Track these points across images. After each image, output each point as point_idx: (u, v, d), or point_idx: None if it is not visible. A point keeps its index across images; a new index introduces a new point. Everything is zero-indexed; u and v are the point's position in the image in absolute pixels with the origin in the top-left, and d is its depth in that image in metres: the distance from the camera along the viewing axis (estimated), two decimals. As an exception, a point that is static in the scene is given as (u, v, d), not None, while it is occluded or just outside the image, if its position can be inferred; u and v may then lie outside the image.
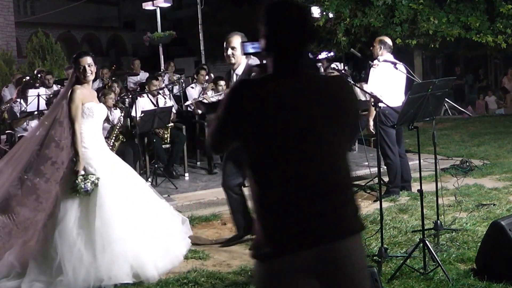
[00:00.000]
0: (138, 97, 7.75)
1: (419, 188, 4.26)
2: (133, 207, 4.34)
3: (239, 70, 4.68)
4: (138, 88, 9.89)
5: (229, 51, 4.63)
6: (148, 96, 7.84)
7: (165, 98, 8.05)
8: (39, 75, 9.97)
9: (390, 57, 6.02)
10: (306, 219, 1.89)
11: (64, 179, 4.24)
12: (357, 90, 8.91)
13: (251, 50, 2.15)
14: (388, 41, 6.23)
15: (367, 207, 5.97)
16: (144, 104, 7.73)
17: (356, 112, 2.09)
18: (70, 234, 4.04)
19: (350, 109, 2.02)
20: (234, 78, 4.68)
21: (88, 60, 4.27)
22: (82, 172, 4.16)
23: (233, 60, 4.64)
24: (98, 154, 4.30)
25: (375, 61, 5.95)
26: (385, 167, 6.30)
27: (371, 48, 6.29)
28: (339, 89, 2.02)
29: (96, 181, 4.14)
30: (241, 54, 4.57)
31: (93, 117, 4.34)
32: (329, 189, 1.93)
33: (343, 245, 1.93)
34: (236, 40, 4.60)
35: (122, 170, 4.51)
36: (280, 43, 1.97)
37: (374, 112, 5.62)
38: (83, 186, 4.08)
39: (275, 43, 1.97)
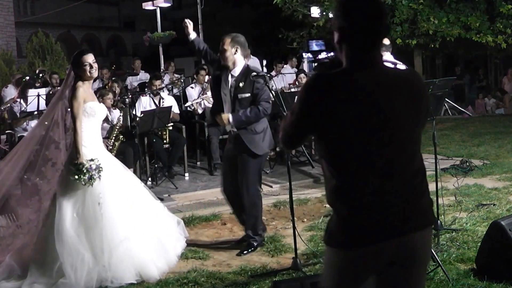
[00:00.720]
0: (141, 96, 7.77)
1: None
2: (132, 207, 4.34)
3: (236, 71, 4.65)
4: (138, 88, 9.90)
5: (221, 53, 4.61)
6: (150, 96, 7.85)
7: (163, 98, 8.03)
8: (40, 75, 9.97)
9: (390, 57, 6.01)
10: (388, 210, 1.92)
11: (61, 178, 4.24)
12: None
13: (315, 48, 2.21)
14: (385, 41, 6.23)
15: (367, 207, 5.97)
16: (145, 103, 7.75)
17: (428, 102, 2.13)
18: (68, 235, 4.03)
19: (423, 98, 2.06)
20: (229, 79, 4.64)
21: (91, 57, 4.31)
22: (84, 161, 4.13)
23: (223, 61, 4.61)
24: (97, 154, 4.29)
25: None
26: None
27: None
28: (412, 80, 2.05)
29: (100, 166, 4.12)
30: (232, 55, 4.58)
31: (94, 116, 4.34)
32: (409, 180, 1.97)
33: (420, 236, 1.98)
34: (227, 41, 4.58)
35: (120, 171, 4.50)
36: (358, 36, 1.98)
37: None
38: (88, 167, 4.06)
39: (353, 36, 1.99)
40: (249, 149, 4.60)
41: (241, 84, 4.59)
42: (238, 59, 4.63)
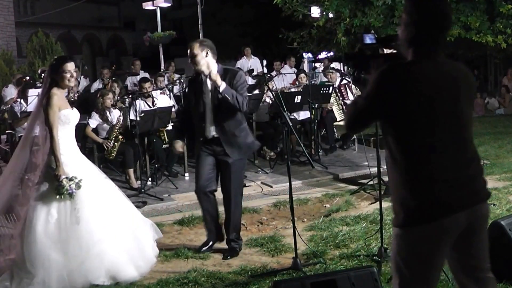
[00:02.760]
0: (135, 101, 7.75)
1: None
2: (109, 209, 4.35)
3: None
4: (138, 88, 9.90)
5: (190, 60, 4.59)
6: (142, 99, 7.80)
7: (156, 98, 7.99)
8: (42, 75, 9.96)
9: None
10: (461, 185, 2.17)
11: (38, 184, 4.23)
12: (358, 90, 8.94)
13: (368, 41, 2.40)
14: None
15: (367, 207, 5.98)
16: (140, 106, 7.74)
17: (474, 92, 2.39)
18: (39, 237, 4.04)
19: (473, 88, 2.35)
20: (208, 83, 4.61)
21: (73, 65, 4.31)
22: (64, 176, 4.13)
23: (197, 67, 4.57)
24: (73, 160, 4.30)
25: None
26: (385, 167, 6.30)
27: None
28: (467, 71, 2.31)
29: (80, 183, 4.13)
30: (204, 58, 4.53)
31: (69, 124, 4.34)
32: (472, 158, 2.25)
33: (484, 207, 2.27)
34: (195, 46, 4.54)
35: (95, 174, 4.49)
36: (429, 30, 2.19)
37: None
38: (68, 187, 4.07)
39: (424, 29, 2.19)
40: (230, 151, 4.61)
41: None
42: (211, 62, 4.59)
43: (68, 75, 4.24)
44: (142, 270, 4.26)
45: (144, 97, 7.80)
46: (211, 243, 4.83)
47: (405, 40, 2.25)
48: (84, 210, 4.15)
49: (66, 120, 4.31)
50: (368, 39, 2.38)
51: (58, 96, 4.25)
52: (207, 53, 4.56)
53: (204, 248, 4.78)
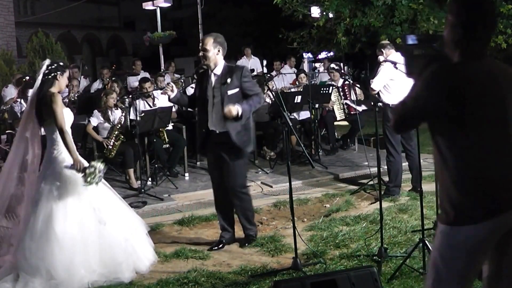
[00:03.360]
0: (135, 101, 7.74)
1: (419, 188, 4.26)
2: (108, 208, 4.37)
3: (218, 70, 4.69)
4: (139, 88, 9.89)
5: (201, 53, 4.65)
6: (142, 99, 7.80)
7: (157, 98, 8.00)
8: None
9: (397, 56, 6.03)
10: (508, 185, 2.18)
11: (37, 183, 4.25)
12: (357, 90, 8.94)
13: (410, 42, 2.41)
14: (385, 42, 6.28)
15: (366, 207, 5.98)
16: (140, 107, 7.73)
17: None
18: (59, 240, 4.05)
19: None
20: (212, 78, 4.69)
21: (68, 71, 4.49)
22: (86, 164, 4.20)
23: (205, 61, 4.66)
24: (69, 158, 4.32)
25: (381, 58, 5.96)
26: (385, 167, 6.31)
27: (378, 55, 6.36)
28: (510, 70, 2.33)
29: (101, 167, 4.18)
30: (215, 55, 4.62)
31: (66, 123, 4.38)
32: None
33: None
34: (209, 42, 4.62)
35: None
36: (478, 30, 2.22)
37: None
38: (97, 172, 4.12)
39: (473, 30, 2.21)
40: (236, 146, 4.65)
41: (228, 81, 4.63)
42: (219, 59, 4.69)
43: (66, 80, 4.44)
44: (143, 270, 4.33)
45: (145, 97, 7.80)
46: (224, 241, 4.95)
47: (451, 41, 2.27)
48: (104, 210, 4.22)
49: (66, 119, 4.35)
50: (410, 40, 2.42)
51: (59, 96, 4.34)
52: (218, 50, 4.65)
53: (217, 247, 4.89)
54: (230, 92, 4.63)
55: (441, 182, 2.31)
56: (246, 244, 4.87)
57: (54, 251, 4.02)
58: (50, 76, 4.31)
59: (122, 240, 4.25)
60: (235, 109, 4.49)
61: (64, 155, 4.26)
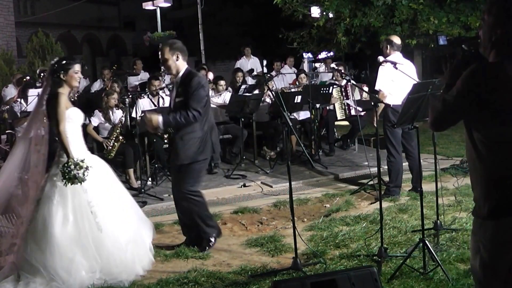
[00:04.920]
0: (138, 99, 7.74)
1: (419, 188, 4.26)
2: (117, 208, 4.35)
3: (179, 77, 4.67)
4: (139, 88, 9.90)
5: (162, 64, 4.66)
6: (148, 97, 7.83)
7: (163, 99, 8.02)
8: (41, 75, 9.96)
9: (398, 56, 6.03)
10: None
11: (47, 184, 4.21)
12: (357, 90, 8.94)
13: (442, 42, 2.47)
14: (396, 40, 6.22)
15: (366, 207, 5.98)
16: (144, 105, 7.73)
17: None
18: (59, 239, 4.03)
19: None
20: (175, 86, 4.72)
21: (79, 67, 4.38)
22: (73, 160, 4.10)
23: (168, 70, 4.69)
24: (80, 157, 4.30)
25: (380, 58, 5.94)
26: (386, 167, 6.31)
27: (381, 47, 6.35)
28: None
29: (87, 169, 4.07)
30: (175, 62, 4.61)
31: (74, 122, 4.37)
32: None
33: None
34: (166, 51, 4.60)
35: (103, 171, 4.47)
36: None
37: (380, 109, 5.73)
38: (74, 170, 4.03)
39: (510, 31, 2.26)
40: (174, 155, 4.70)
41: (179, 89, 4.62)
42: (181, 65, 4.66)
43: (77, 76, 4.34)
44: (146, 268, 4.34)
45: (152, 95, 7.81)
46: (187, 241, 4.92)
47: (488, 41, 2.32)
48: (102, 214, 4.15)
49: (73, 118, 4.34)
50: (442, 40, 2.50)
51: (65, 95, 4.31)
52: (177, 56, 4.63)
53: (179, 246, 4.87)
54: (177, 99, 4.64)
55: (474, 177, 2.40)
56: (207, 248, 4.75)
57: (53, 252, 4.00)
58: (55, 76, 4.31)
59: (122, 244, 4.20)
60: (155, 120, 4.50)
61: (73, 155, 4.20)
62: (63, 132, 4.21)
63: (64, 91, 4.31)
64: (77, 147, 4.34)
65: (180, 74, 4.67)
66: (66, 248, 4.03)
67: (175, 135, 4.68)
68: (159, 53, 4.66)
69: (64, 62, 4.37)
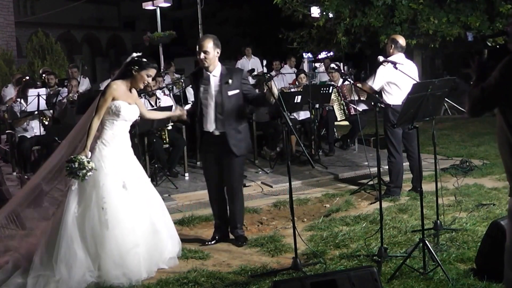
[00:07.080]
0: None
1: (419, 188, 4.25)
2: (141, 211, 4.29)
3: (216, 72, 4.73)
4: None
5: (202, 55, 4.66)
6: (145, 97, 7.80)
7: (159, 98, 7.99)
8: (44, 75, 9.97)
9: (400, 57, 6.02)
10: None
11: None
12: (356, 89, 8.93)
13: (470, 39, 2.65)
14: (400, 40, 6.21)
15: (366, 207, 5.98)
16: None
17: None
18: (68, 232, 4.03)
19: None
20: (211, 80, 4.73)
21: (153, 73, 4.44)
22: (80, 156, 4.07)
23: (206, 64, 4.69)
24: (115, 155, 4.24)
25: (380, 58, 5.94)
26: (386, 167, 6.31)
27: (385, 45, 6.37)
28: None
29: (88, 172, 4.03)
30: (214, 57, 4.68)
31: (118, 116, 4.26)
32: None
33: None
34: (209, 44, 4.65)
35: (134, 173, 4.39)
36: None
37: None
38: (76, 166, 4.00)
39: None
40: (235, 148, 4.74)
41: (230, 81, 4.68)
42: (217, 61, 4.75)
43: (146, 80, 4.35)
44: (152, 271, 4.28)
45: (149, 96, 7.80)
46: (217, 237, 5.04)
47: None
48: (112, 213, 4.09)
49: (116, 110, 4.24)
50: (470, 37, 2.67)
51: (118, 86, 4.26)
52: (217, 52, 4.72)
53: (211, 242, 4.99)
54: (230, 93, 4.69)
55: (506, 162, 2.63)
56: (244, 243, 4.92)
57: (60, 247, 3.99)
58: (129, 67, 4.29)
59: (128, 247, 4.12)
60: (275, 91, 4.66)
61: (106, 150, 4.21)
62: (93, 124, 4.16)
63: (120, 84, 4.27)
64: (116, 143, 4.28)
65: (217, 69, 4.73)
66: (73, 241, 4.01)
67: (229, 129, 4.72)
68: (201, 43, 4.66)
69: (144, 60, 4.35)
